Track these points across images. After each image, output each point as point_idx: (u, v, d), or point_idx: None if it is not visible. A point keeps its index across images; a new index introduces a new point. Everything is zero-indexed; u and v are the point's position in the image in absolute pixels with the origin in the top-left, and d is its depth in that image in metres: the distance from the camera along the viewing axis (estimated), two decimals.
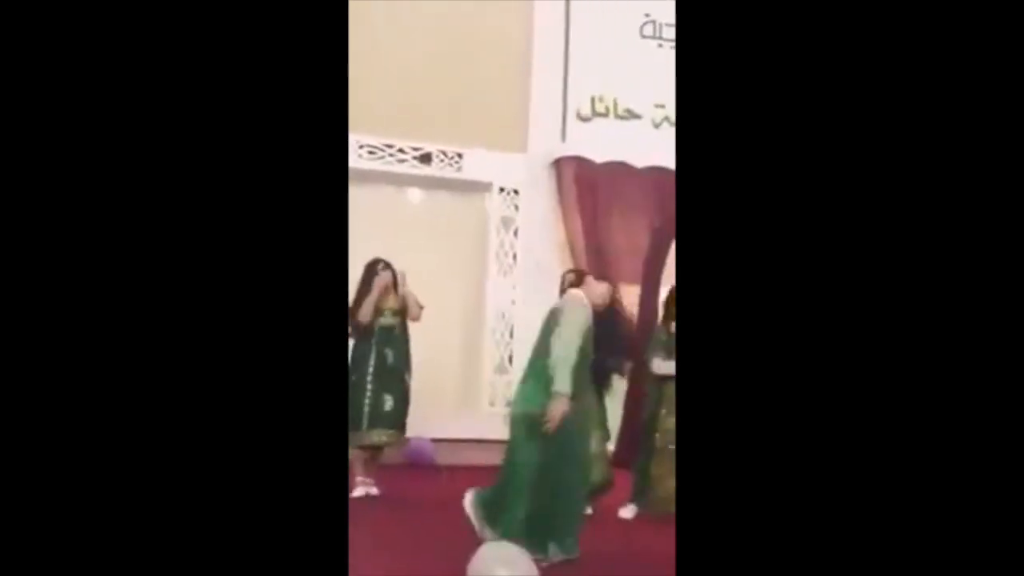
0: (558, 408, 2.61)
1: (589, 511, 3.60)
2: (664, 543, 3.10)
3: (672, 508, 3.44)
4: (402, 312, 3.93)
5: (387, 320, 3.88)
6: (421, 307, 3.95)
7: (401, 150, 5.32)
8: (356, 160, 5.11)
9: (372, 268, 3.92)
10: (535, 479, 2.68)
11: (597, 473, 3.50)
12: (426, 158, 5.36)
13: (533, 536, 2.61)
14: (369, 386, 3.75)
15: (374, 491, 3.79)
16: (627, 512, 3.65)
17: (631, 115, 5.80)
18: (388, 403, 3.78)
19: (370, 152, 5.23)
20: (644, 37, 5.93)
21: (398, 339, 3.90)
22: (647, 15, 5.94)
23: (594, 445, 3.56)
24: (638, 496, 3.67)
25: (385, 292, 3.89)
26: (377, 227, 5.08)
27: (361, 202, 4.99)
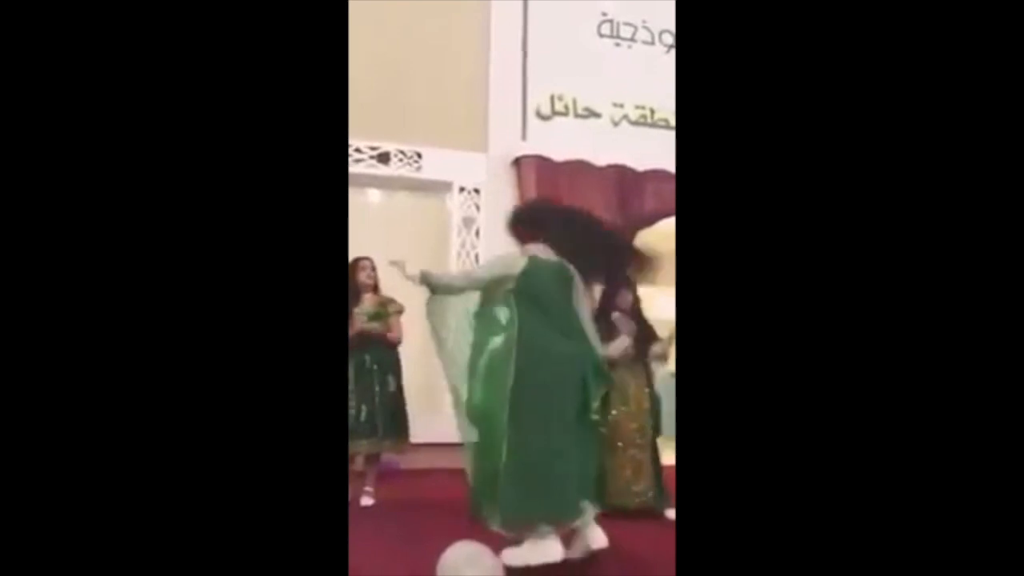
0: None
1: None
2: (632, 540, 3.11)
3: (629, 502, 3.44)
4: (380, 315, 3.77)
5: (366, 325, 3.72)
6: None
7: (358, 150, 5.22)
8: None
9: (355, 268, 3.77)
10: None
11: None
12: (384, 158, 5.27)
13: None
14: (351, 396, 3.61)
15: (368, 500, 3.69)
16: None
17: (590, 114, 5.80)
18: (363, 413, 3.64)
19: None
20: (601, 36, 5.95)
21: (377, 344, 3.74)
22: (604, 14, 5.96)
23: None
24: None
25: (365, 293, 3.78)
26: None
27: None
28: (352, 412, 3.63)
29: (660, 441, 3.66)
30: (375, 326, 3.75)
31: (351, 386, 3.65)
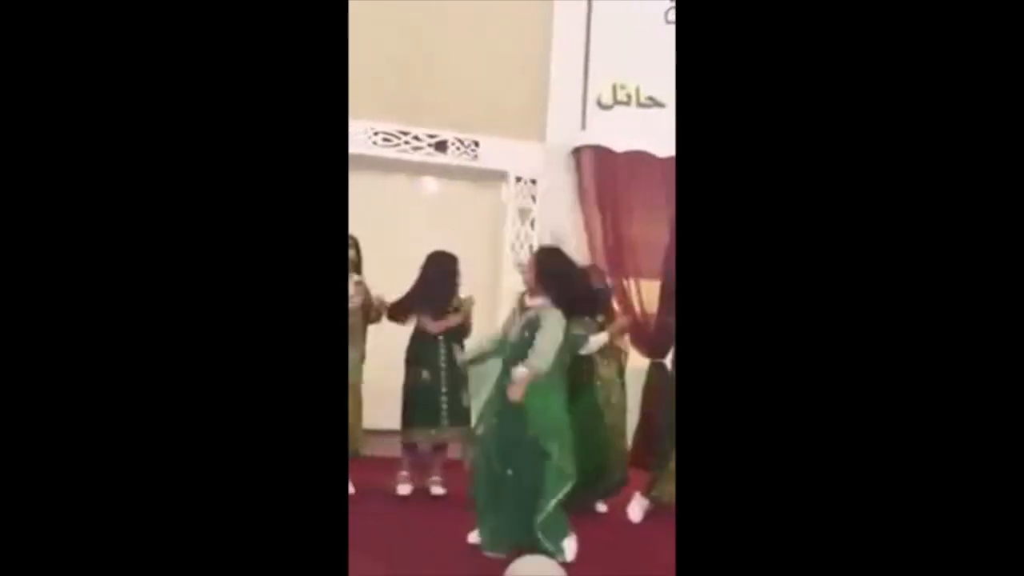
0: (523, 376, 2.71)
1: (603, 508, 3.62)
2: (667, 543, 3.00)
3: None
4: (463, 306, 3.87)
5: (453, 317, 3.82)
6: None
7: (416, 137, 5.19)
8: (370, 147, 5.01)
9: (441, 262, 3.82)
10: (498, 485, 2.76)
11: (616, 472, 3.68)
12: (441, 146, 5.23)
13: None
14: (444, 385, 3.73)
15: (441, 490, 3.77)
16: (635, 512, 3.55)
17: (654, 103, 5.61)
18: (464, 399, 3.73)
19: (384, 139, 5.12)
20: (669, 23, 5.72)
21: (456, 335, 3.84)
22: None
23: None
24: (656, 486, 3.54)
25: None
26: (391, 216, 4.99)
27: (374, 190, 4.89)
28: (448, 400, 3.74)
29: None
30: (458, 318, 3.85)
31: (443, 375, 3.75)
